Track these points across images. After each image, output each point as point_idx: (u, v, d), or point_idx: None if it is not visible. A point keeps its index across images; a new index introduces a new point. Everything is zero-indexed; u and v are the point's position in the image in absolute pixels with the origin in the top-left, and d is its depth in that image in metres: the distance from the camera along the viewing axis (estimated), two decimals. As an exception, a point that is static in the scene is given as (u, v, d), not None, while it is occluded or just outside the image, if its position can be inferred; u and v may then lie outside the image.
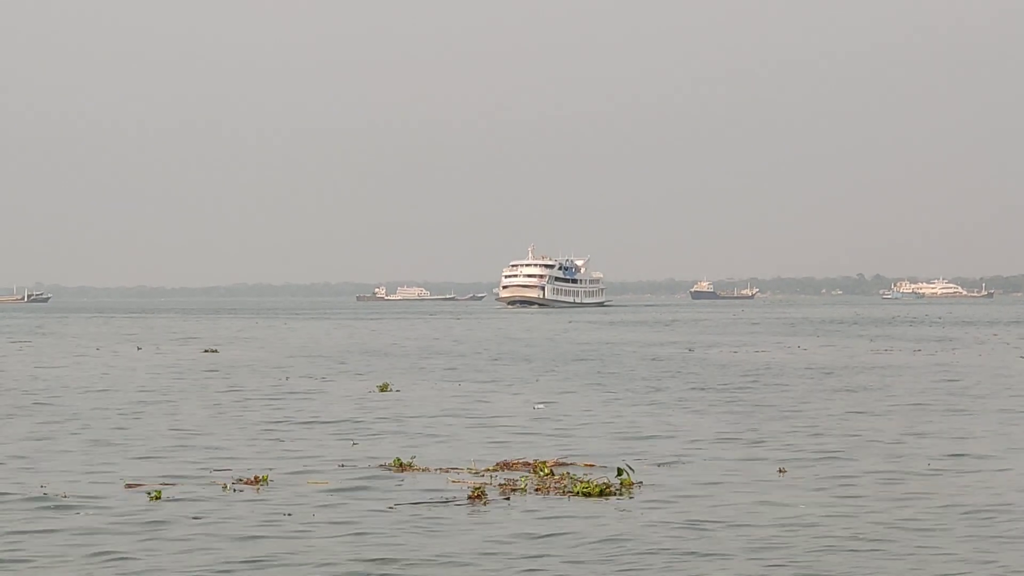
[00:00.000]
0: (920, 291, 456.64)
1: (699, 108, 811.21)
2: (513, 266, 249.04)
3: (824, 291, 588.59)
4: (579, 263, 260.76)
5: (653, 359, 62.93)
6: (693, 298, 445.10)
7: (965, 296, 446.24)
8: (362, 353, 70.30)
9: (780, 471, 24.18)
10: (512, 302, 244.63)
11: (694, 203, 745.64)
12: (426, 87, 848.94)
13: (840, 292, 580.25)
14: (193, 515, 19.44)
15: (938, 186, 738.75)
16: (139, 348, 76.02)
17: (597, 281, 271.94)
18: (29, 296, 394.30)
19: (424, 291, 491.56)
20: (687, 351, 71.14)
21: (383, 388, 43.18)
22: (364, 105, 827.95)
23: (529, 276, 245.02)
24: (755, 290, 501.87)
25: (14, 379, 49.52)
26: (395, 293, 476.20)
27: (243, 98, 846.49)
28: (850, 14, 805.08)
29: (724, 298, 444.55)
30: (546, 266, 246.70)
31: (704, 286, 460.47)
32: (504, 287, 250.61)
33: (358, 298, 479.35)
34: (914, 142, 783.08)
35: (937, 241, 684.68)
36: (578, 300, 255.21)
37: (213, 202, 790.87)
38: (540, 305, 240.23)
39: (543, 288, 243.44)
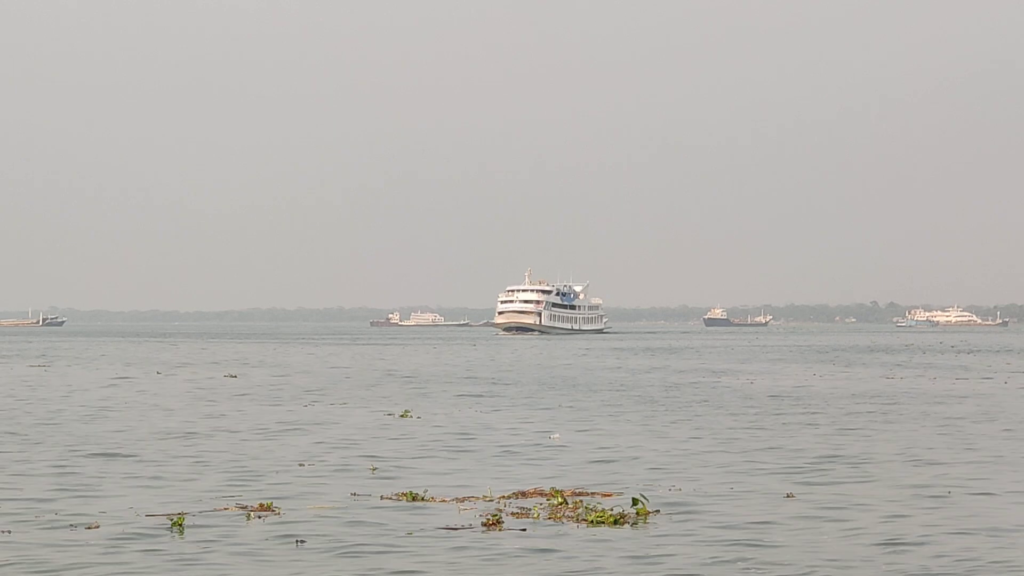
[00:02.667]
0: (934, 319, 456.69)
1: (714, 136, 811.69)
2: (509, 291, 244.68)
3: (838, 319, 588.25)
4: (578, 289, 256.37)
5: (669, 386, 63.02)
6: (706, 325, 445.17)
7: (980, 324, 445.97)
8: (381, 379, 70.51)
9: (788, 495, 24.61)
10: (508, 328, 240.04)
11: (707, 230, 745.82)
12: (441, 113, 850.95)
13: (854, 320, 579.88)
14: (209, 539, 19.76)
15: (952, 214, 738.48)
16: (159, 372, 76.38)
17: (596, 307, 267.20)
18: (44, 320, 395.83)
19: (438, 316, 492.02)
20: (703, 378, 71.29)
21: (404, 415, 43.30)
22: (380, 131, 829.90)
23: (525, 302, 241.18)
24: (768, 317, 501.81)
25: (36, 402, 49.81)
26: (409, 319, 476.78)
27: (257, 123, 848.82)
28: (860, 50, 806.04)
29: (737, 325, 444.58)
30: (543, 292, 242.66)
31: (717, 313, 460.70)
32: (500, 313, 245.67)
33: (372, 323, 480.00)
34: (928, 171, 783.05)
35: (951, 269, 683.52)
36: (576, 327, 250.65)
37: (227, 227, 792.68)
38: (537, 332, 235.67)
39: (540, 314, 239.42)
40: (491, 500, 23.82)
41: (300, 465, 29.17)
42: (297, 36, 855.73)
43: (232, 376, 72.28)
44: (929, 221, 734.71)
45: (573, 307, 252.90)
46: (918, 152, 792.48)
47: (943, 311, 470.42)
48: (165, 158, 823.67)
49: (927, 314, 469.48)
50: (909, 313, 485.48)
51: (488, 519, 21.32)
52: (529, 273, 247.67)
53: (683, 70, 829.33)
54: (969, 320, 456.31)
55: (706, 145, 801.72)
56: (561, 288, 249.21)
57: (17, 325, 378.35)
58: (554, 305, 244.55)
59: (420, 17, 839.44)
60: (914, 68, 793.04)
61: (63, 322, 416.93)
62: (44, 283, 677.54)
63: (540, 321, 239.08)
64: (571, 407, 48.98)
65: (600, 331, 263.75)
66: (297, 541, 19.78)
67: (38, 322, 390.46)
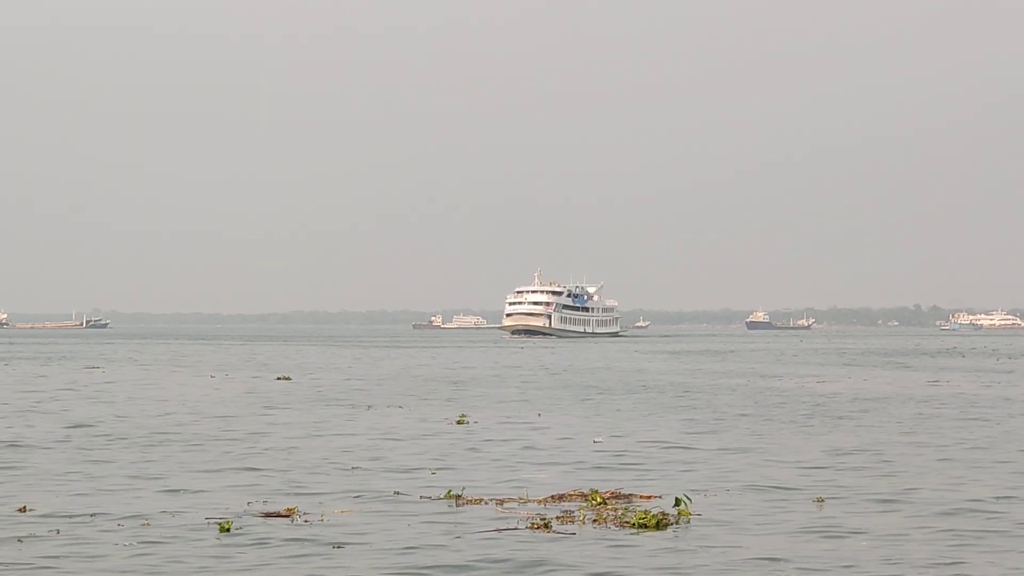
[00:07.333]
0: (978, 322, 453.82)
1: (754, 141, 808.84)
2: (518, 292, 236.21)
3: (880, 322, 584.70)
4: (591, 290, 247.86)
5: (713, 389, 62.94)
6: (748, 328, 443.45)
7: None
8: (433, 382, 70.76)
9: (818, 500, 24.60)
10: (516, 331, 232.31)
11: (750, 233, 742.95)
12: (484, 112, 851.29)
13: (896, 323, 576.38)
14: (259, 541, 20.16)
15: (995, 216, 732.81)
16: (212, 375, 77.32)
17: (611, 309, 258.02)
18: (88, 322, 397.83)
19: (481, 319, 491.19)
20: (746, 382, 71.24)
21: (460, 420, 42.69)
22: (421, 135, 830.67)
23: (535, 303, 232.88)
24: (811, 320, 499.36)
25: (88, 403, 50.28)
26: (451, 321, 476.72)
27: (300, 129, 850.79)
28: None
29: (780, 328, 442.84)
30: (553, 293, 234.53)
31: (760, 316, 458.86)
32: (508, 315, 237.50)
33: (414, 326, 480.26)
34: (970, 172, 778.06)
35: (995, 272, 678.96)
36: (589, 329, 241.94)
37: (268, 229, 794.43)
38: (545, 335, 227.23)
39: (549, 316, 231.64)
40: (527, 501, 23.88)
41: (352, 469, 29.32)
42: (341, 64, 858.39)
43: (285, 378, 72.45)
44: (972, 224, 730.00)
45: (586, 309, 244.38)
46: (959, 156, 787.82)
47: (987, 314, 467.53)
48: (203, 162, 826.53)
49: (971, 317, 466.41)
50: (953, 316, 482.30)
51: (534, 522, 21.38)
52: (539, 274, 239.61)
53: (713, 71, 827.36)
54: (1013, 323, 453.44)
55: (744, 149, 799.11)
56: (573, 289, 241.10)
57: (61, 327, 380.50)
58: (565, 307, 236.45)
59: (445, 30, 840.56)
60: (953, 80, 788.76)
61: (107, 324, 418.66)
62: (87, 285, 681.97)
63: (550, 323, 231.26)
64: (621, 412, 48.77)
65: (615, 334, 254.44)
66: (335, 545, 19.79)
67: (82, 324, 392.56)
